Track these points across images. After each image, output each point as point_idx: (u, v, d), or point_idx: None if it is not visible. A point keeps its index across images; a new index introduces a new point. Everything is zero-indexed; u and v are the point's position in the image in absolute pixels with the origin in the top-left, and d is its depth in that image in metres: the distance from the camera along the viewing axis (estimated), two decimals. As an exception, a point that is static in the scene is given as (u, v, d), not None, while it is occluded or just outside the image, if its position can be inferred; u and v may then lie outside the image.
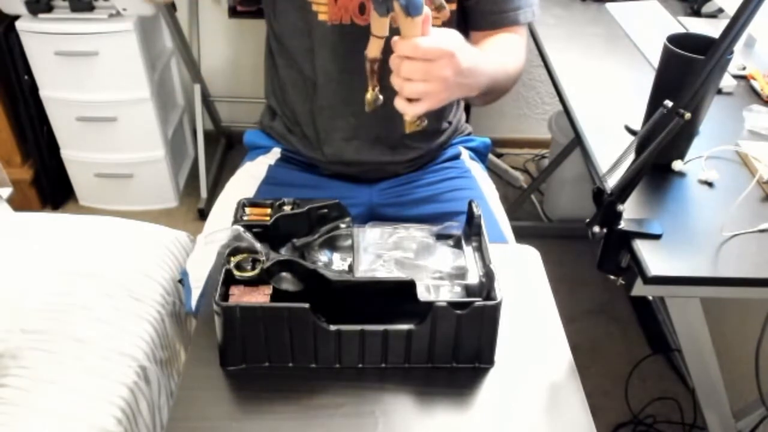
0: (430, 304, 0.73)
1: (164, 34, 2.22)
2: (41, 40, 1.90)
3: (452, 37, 0.76)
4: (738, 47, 1.13)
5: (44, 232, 1.30)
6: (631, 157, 0.84)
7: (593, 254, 0.88)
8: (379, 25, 0.75)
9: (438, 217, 1.05)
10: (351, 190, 1.12)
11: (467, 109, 2.33)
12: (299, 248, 0.84)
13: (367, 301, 0.76)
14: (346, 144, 1.08)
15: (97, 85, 1.99)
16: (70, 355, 1.04)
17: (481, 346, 0.76)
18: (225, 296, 0.74)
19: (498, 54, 0.96)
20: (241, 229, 0.79)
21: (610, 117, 1.14)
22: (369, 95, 0.82)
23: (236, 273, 0.75)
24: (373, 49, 0.78)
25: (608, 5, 1.61)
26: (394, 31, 0.75)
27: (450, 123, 1.17)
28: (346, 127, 1.06)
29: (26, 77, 2.00)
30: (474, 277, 0.80)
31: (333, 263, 0.83)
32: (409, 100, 0.76)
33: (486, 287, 0.76)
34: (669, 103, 0.80)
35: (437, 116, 1.12)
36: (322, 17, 0.97)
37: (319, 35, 1.00)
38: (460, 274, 0.81)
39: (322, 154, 1.10)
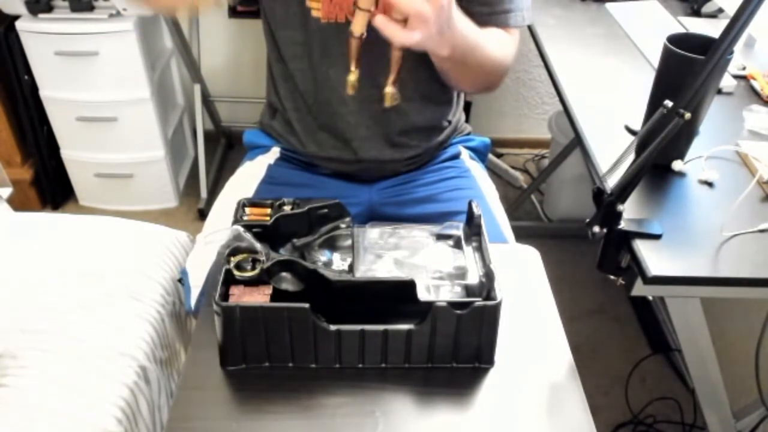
0: (430, 304, 0.73)
1: (164, 34, 2.22)
2: (41, 40, 1.90)
3: None
4: (738, 47, 1.13)
5: (44, 232, 1.30)
6: (631, 157, 0.84)
7: (593, 254, 0.88)
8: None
9: (438, 217, 1.05)
10: (351, 189, 1.13)
11: (467, 109, 2.34)
12: (299, 248, 0.84)
13: (367, 301, 0.76)
14: (344, 142, 1.08)
15: (97, 85, 1.99)
16: (70, 355, 1.04)
17: (481, 346, 0.76)
18: (225, 296, 0.74)
19: (482, 33, 0.95)
20: (241, 229, 0.79)
21: (610, 117, 1.14)
22: (352, 76, 0.81)
23: (236, 273, 0.75)
24: (359, 25, 0.76)
25: (608, 5, 1.61)
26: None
27: (449, 122, 1.17)
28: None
29: (26, 77, 2.00)
30: (474, 277, 0.80)
31: (333, 263, 0.82)
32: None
33: (486, 287, 0.76)
34: (669, 103, 0.80)
35: (436, 113, 1.12)
36: (315, 14, 0.97)
37: (312, 32, 1.00)
38: (460, 274, 0.81)
39: (319, 148, 1.10)
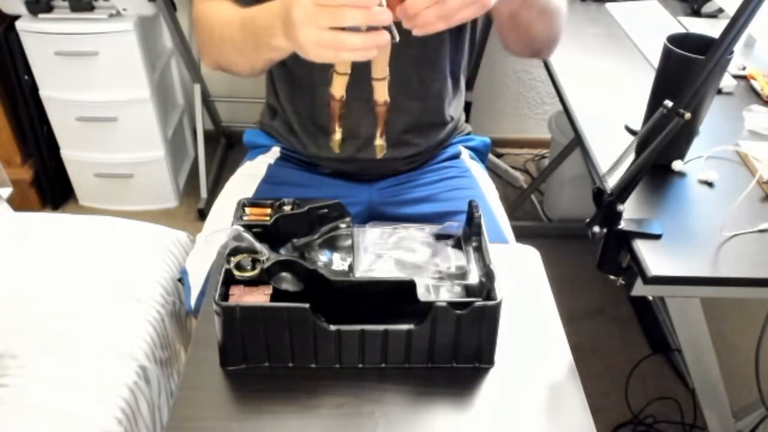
0: (430, 304, 0.73)
1: (164, 34, 2.22)
2: (41, 40, 1.90)
3: None
4: (738, 47, 1.13)
5: (44, 232, 1.30)
6: (631, 157, 0.84)
7: (593, 254, 0.88)
8: (343, 64, 0.75)
9: (437, 217, 1.05)
10: (350, 189, 1.12)
11: (467, 108, 2.34)
12: (299, 248, 0.84)
13: (367, 301, 0.76)
14: (344, 142, 1.08)
15: (97, 85, 1.99)
16: (70, 355, 1.04)
17: (481, 346, 0.76)
18: (225, 296, 0.74)
19: None
20: (241, 229, 0.79)
21: (610, 117, 1.14)
22: (337, 136, 0.82)
23: (236, 273, 0.75)
24: (339, 88, 0.77)
25: (608, 5, 1.61)
26: (360, 67, 0.73)
27: (451, 118, 1.16)
28: (343, 126, 1.06)
29: (26, 77, 2.00)
30: (474, 277, 0.80)
31: (333, 263, 0.83)
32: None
33: (486, 287, 0.76)
34: (669, 103, 0.80)
35: (438, 112, 1.12)
36: None
37: None
38: (460, 274, 0.81)
39: (320, 149, 1.10)
